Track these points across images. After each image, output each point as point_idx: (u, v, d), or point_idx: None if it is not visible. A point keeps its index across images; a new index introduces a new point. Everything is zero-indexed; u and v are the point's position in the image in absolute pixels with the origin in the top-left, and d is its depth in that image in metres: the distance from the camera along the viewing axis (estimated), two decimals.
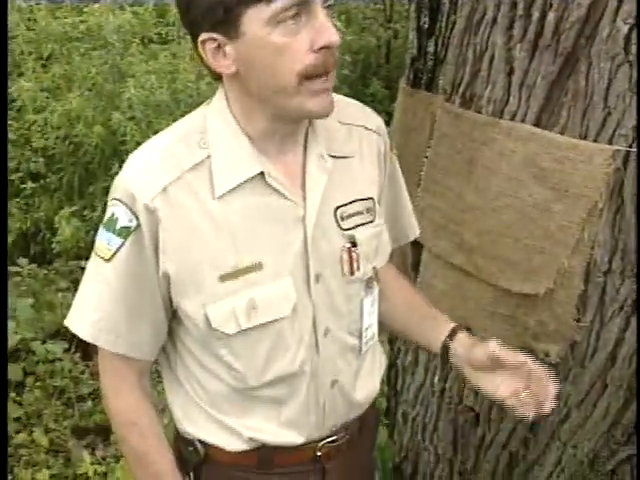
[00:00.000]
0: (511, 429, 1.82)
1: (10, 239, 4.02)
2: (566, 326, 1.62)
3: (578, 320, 1.61)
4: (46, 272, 3.89)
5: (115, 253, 1.19)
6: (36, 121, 4.27)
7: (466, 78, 1.66)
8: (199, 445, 1.34)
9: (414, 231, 1.55)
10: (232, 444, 1.32)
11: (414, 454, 2.13)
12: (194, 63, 4.29)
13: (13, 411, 2.91)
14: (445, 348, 1.43)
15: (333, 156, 1.28)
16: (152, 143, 1.24)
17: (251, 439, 1.31)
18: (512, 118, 1.58)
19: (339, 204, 1.28)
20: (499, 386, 1.34)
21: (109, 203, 1.22)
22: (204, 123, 1.22)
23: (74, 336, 1.26)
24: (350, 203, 1.30)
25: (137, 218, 1.17)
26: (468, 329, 1.47)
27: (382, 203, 1.41)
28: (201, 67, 1.22)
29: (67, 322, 1.27)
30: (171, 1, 5.03)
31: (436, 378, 1.95)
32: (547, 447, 1.80)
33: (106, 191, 1.28)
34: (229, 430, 1.31)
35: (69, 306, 1.28)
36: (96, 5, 4.92)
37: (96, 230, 1.26)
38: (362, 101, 1.43)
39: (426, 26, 1.80)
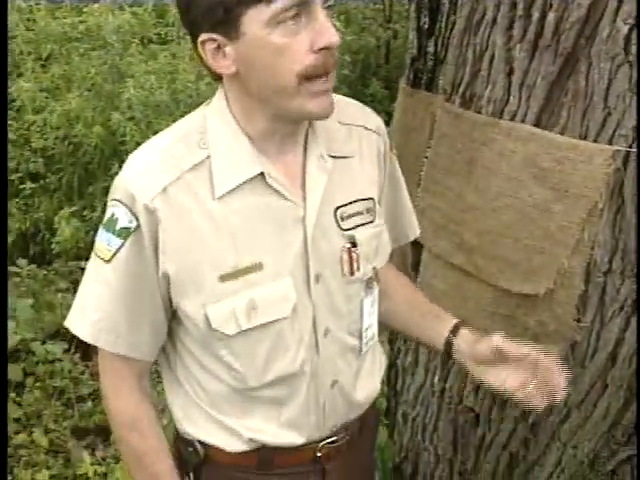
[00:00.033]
0: (511, 429, 1.82)
1: (10, 239, 4.02)
2: (566, 326, 1.62)
3: (578, 320, 1.61)
4: (46, 272, 3.89)
5: (115, 254, 1.19)
6: (35, 121, 4.27)
7: (466, 78, 1.66)
8: (199, 446, 1.34)
9: (414, 231, 1.55)
10: (232, 445, 1.32)
11: (414, 454, 2.13)
12: (194, 63, 4.29)
13: (13, 411, 2.91)
14: (448, 345, 1.43)
15: (333, 156, 1.28)
16: (152, 143, 1.23)
17: (251, 440, 1.31)
18: (512, 118, 1.58)
19: (339, 204, 1.28)
20: (505, 380, 1.34)
21: (109, 204, 1.22)
22: (204, 123, 1.22)
23: (74, 336, 1.26)
24: (350, 203, 1.30)
25: (137, 219, 1.17)
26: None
27: (382, 203, 1.41)
28: (201, 67, 1.22)
29: (67, 323, 1.27)
30: (170, 1, 5.04)
31: (436, 378, 1.95)
32: (547, 447, 1.80)
33: (106, 191, 1.28)
34: (229, 431, 1.31)
35: (69, 306, 1.28)
36: (95, 5, 4.91)
37: (96, 230, 1.26)
38: (362, 101, 1.43)
39: (426, 26, 1.80)
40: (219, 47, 1.12)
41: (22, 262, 3.79)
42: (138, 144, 1.28)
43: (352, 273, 1.30)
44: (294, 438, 1.33)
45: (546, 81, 1.52)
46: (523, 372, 1.32)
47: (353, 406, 1.40)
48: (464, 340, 1.41)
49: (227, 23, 1.09)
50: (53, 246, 4.01)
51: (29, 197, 4.31)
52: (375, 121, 1.39)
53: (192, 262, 1.19)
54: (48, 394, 3.09)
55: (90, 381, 3.16)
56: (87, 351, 3.20)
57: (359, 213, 1.31)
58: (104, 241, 1.21)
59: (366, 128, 1.36)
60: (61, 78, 4.54)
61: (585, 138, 1.50)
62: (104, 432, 2.85)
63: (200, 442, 1.34)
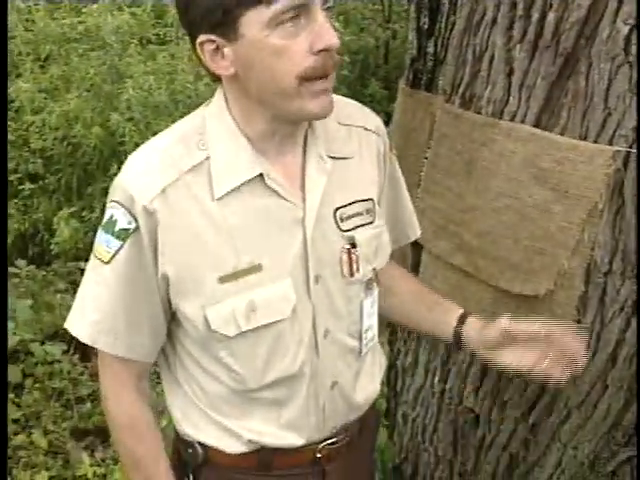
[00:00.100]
0: (511, 430, 1.82)
1: (9, 240, 4.01)
2: None
3: (578, 321, 1.61)
4: (45, 273, 3.88)
5: (114, 255, 1.19)
6: (34, 122, 4.26)
7: (466, 79, 1.66)
8: (198, 447, 1.35)
9: (415, 231, 1.55)
10: (232, 446, 1.32)
11: (414, 455, 2.13)
12: (193, 64, 4.28)
13: (12, 413, 2.90)
14: (457, 335, 1.43)
15: (332, 157, 1.28)
16: (151, 145, 1.23)
17: (251, 441, 1.31)
18: (512, 119, 1.58)
19: (339, 205, 1.28)
20: (520, 359, 1.34)
21: (108, 205, 1.22)
22: (203, 124, 1.22)
23: (73, 337, 1.26)
24: (350, 204, 1.30)
25: (136, 220, 1.16)
26: None
27: (382, 204, 1.41)
28: (200, 68, 1.22)
29: (66, 324, 1.27)
30: (169, 2, 5.04)
31: (436, 379, 1.94)
32: (547, 448, 1.79)
33: (105, 192, 1.28)
34: (229, 432, 1.31)
35: (68, 307, 1.28)
36: (94, 6, 4.91)
37: (95, 231, 1.26)
38: (361, 101, 1.43)
39: (426, 27, 1.80)
40: (218, 48, 1.12)
41: (21, 263, 3.79)
42: (137, 145, 1.28)
43: (352, 274, 1.30)
44: (294, 439, 1.33)
45: (546, 81, 1.52)
46: (537, 348, 1.32)
47: (353, 407, 1.40)
48: (472, 328, 1.41)
49: (226, 24, 1.09)
50: (52, 247, 4.00)
51: (28, 198, 4.30)
52: (375, 121, 1.39)
53: (191, 263, 1.19)
54: (47, 395, 3.09)
55: (89, 382, 3.15)
56: (86, 352, 3.20)
57: (359, 214, 1.31)
58: (103, 242, 1.21)
59: (366, 129, 1.36)
60: (60, 79, 4.54)
61: (585, 139, 1.49)
62: (103, 433, 2.84)
63: (200, 443, 1.34)
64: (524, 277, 1.60)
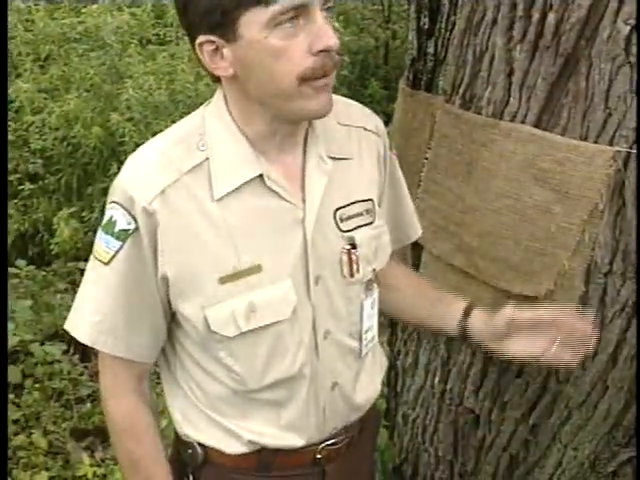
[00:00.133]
0: (512, 431, 1.81)
1: (8, 240, 4.01)
2: None
3: None
4: (44, 273, 3.88)
5: (114, 256, 1.19)
6: (34, 122, 4.26)
7: (466, 79, 1.65)
8: (198, 448, 1.35)
9: (416, 231, 1.55)
10: (232, 447, 1.32)
11: (414, 456, 2.12)
12: (192, 64, 4.28)
13: (12, 413, 2.90)
14: (463, 328, 1.43)
15: (332, 157, 1.28)
16: (150, 145, 1.23)
17: (251, 442, 1.31)
18: (512, 119, 1.57)
19: (339, 206, 1.28)
20: (529, 347, 1.34)
21: (107, 206, 1.22)
22: (203, 125, 1.22)
23: (73, 338, 1.26)
24: (350, 205, 1.30)
25: (135, 221, 1.16)
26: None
27: (383, 204, 1.41)
28: (199, 68, 1.22)
29: (66, 325, 1.27)
30: (169, 2, 5.03)
31: (436, 380, 1.94)
32: (548, 449, 1.79)
33: (104, 192, 1.28)
34: (229, 433, 1.31)
35: (68, 307, 1.28)
36: (94, 6, 4.91)
37: (94, 231, 1.26)
38: (361, 102, 1.43)
39: (426, 27, 1.80)
40: (217, 49, 1.12)
41: (21, 263, 3.79)
42: (137, 145, 1.28)
43: (352, 275, 1.30)
44: (294, 440, 1.33)
45: (546, 82, 1.51)
46: (544, 334, 1.32)
47: (353, 408, 1.40)
48: (478, 320, 1.41)
49: (225, 25, 1.08)
50: (52, 247, 4.00)
51: (28, 198, 4.30)
52: (375, 122, 1.39)
53: (191, 264, 1.19)
54: (47, 395, 3.09)
55: (89, 382, 3.15)
56: (86, 352, 3.19)
57: (359, 214, 1.31)
58: (103, 243, 1.21)
59: (365, 129, 1.36)
60: (60, 79, 4.53)
61: (586, 139, 1.49)
62: (103, 433, 2.83)
63: (200, 444, 1.34)
64: (524, 278, 1.60)
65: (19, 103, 4.30)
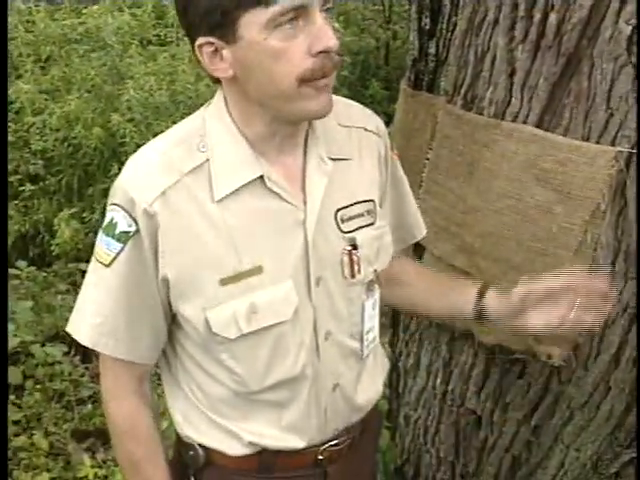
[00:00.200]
0: (514, 432, 1.81)
1: (9, 241, 4.00)
2: None
3: None
4: (45, 274, 3.88)
5: (115, 258, 1.19)
6: (35, 123, 4.26)
7: (468, 79, 1.65)
8: (200, 449, 1.34)
9: (420, 230, 1.54)
10: (233, 448, 1.32)
11: (416, 457, 2.12)
12: (193, 65, 4.28)
13: (13, 414, 2.90)
14: (478, 311, 1.40)
15: (333, 158, 1.28)
16: (151, 147, 1.23)
17: (252, 443, 1.31)
18: (514, 119, 1.57)
19: (339, 207, 1.28)
20: (547, 317, 1.31)
21: (108, 208, 1.21)
22: (203, 126, 1.22)
23: (74, 339, 1.26)
24: (350, 205, 1.29)
25: (136, 223, 1.16)
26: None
27: (386, 204, 1.41)
28: (200, 69, 1.22)
29: (68, 328, 1.27)
30: (169, 2, 5.03)
31: (438, 381, 1.94)
32: (550, 450, 1.79)
33: (105, 193, 1.28)
34: (230, 434, 1.31)
35: (69, 308, 1.28)
36: (95, 7, 4.91)
37: (95, 232, 1.26)
38: (361, 102, 1.43)
39: (427, 27, 1.80)
40: (216, 50, 1.12)
41: (22, 264, 3.78)
42: (138, 146, 1.28)
43: (353, 276, 1.30)
44: (295, 442, 1.32)
45: (548, 82, 1.51)
46: (561, 302, 1.29)
47: (355, 409, 1.39)
48: (492, 300, 1.38)
49: (224, 26, 1.08)
50: (53, 248, 4.00)
51: (28, 199, 4.30)
52: (375, 122, 1.38)
53: (192, 266, 1.19)
54: (48, 397, 3.08)
55: (90, 384, 3.15)
56: (87, 353, 3.19)
57: (360, 215, 1.31)
58: (104, 245, 1.21)
59: (366, 129, 1.35)
60: (60, 80, 4.53)
61: (587, 139, 1.49)
62: (104, 435, 2.83)
63: (201, 446, 1.34)
64: (526, 278, 1.60)
65: (20, 104, 4.29)
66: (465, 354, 1.84)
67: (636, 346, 1.59)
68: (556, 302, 1.30)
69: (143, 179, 1.17)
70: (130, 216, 1.16)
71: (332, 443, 1.37)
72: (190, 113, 1.28)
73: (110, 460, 2.79)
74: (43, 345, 3.22)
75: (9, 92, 4.17)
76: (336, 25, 3.78)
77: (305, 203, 1.23)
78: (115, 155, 4.16)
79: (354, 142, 1.33)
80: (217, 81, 1.20)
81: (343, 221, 1.28)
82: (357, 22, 6.39)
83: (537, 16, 1.50)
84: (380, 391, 1.47)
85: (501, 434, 1.85)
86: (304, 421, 1.32)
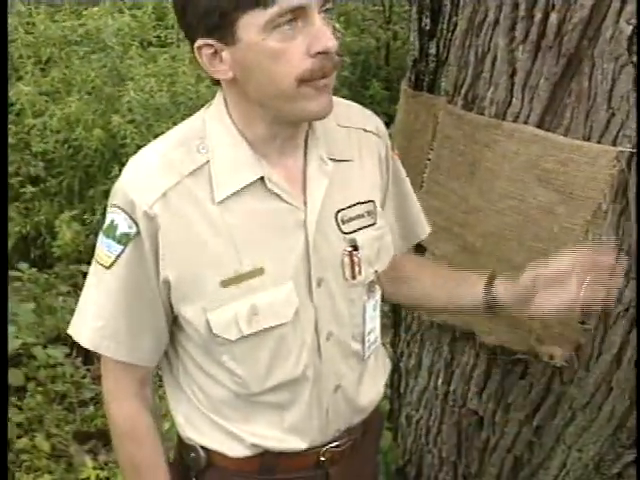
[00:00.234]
0: (516, 432, 1.81)
1: (10, 243, 4.00)
2: (570, 329, 1.62)
3: (582, 323, 1.60)
4: (47, 276, 3.87)
5: (115, 260, 1.19)
6: (35, 125, 4.25)
7: (468, 80, 1.65)
8: (201, 451, 1.34)
9: (424, 229, 1.53)
10: (235, 450, 1.32)
11: (418, 457, 2.12)
12: (193, 66, 4.28)
13: (14, 416, 2.89)
14: (488, 301, 1.39)
15: (333, 159, 1.28)
16: (151, 148, 1.23)
17: (254, 445, 1.31)
18: (515, 120, 1.57)
19: (340, 207, 1.28)
20: (559, 298, 1.29)
21: (108, 210, 1.21)
22: (203, 128, 1.22)
23: (75, 341, 1.26)
24: (351, 206, 1.29)
25: (137, 225, 1.16)
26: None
27: (389, 204, 1.41)
28: (200, 70, 1.22)
29: (69, 330, 1.28)
30: (170, 3, 5.02)
31: (440, 381, 1.94)
32: (552, 451, 1.79)
33: (106, 194, 1.27)
34: (232, 436, 1.31)
35: (70, 310, 1.28)
36: (95, 8, 4.91)
37: (96, 234, 1.26)
38: (362, 103, 1.42)
39: (427, 28, 1.80)
40: (216, 52, 1.12)
41: (23, 266, 3.78)
42: (138, 147, 1.28)
43: (354, 276, 1.30)
44: (297, 443, 1.32)
45: (549, 82, 1.51)
46: (571, 282, 1.27)
47: (356, 410, 1.39)
48: (502, 288, 1.37)
49: (223, 28, 1.08)
50: (54, 250, 3.99)
51: (29, 201, 4.29)
52: (375, 123, 1.38)
53: (193, 268, 1.19)
54: (50, 399, 3.08)
55: (92, 385, 3.14)
56: (89, 355, 3.18)
57: (360, 216, 1.31)
58: (104, 247, 1.21)
59: (365, 130, 1.35)
60: (61, 81, 4.53)
61: (589, 139, 1.49)
62: (106, 436, 2.82)
63: (203, 447, 1.34)
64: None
65: (20, 106, 4.29)
66: (467, 354, 1.83)
67: (637, 346, 1.59)
68: (565, 283, 1.28)
69: (143, 181, 1.17)
70: (130, 218, 1.16)
71: (334, 444, 1.37)
72: (191, 114, 1.28)
73: (112, 462, 2.78)
74: (45, 347, 3.21)
75: (9, 94, 4.17)
76: (337, 26, 3.76)
77: (306, 204, 1.23)
78: (116, 156, 4.16)
79: (354, 143, 1.33)
80: (217, 83, 1.20)
81: (344, 222, 1.28)
82: (357, 22, 6.38)
83: (538, 16, 1.50)
84: (382, 392, 1.47)
85: (503, 434, 1.84)
86: (306, 422, 1.32)
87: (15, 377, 3.00)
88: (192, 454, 1.35)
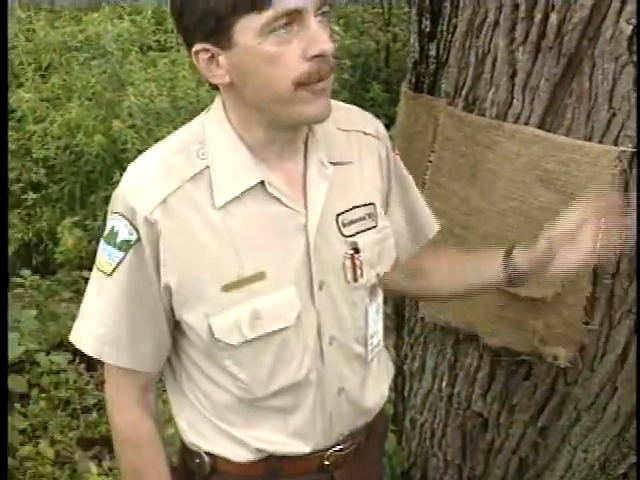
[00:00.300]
0: (521, 434, 1.81)
1: (12, 250, 4.00)
2: (574, 329, 1.61)
3: (587, 323, 1.60)
4: (49, 283, 3.87)
5: (116, 267, 1.19)
6: (36, 131, 4.26)
7: (469, 81, 1.65)
8: (205, 457, 1.34)
9: (432, 227, 1.52)
10: (239, 455, 1.31)
11: (423, 460, 2.12)
12: (193, 70, 4.28)
13: (18, 423, 2.88)
14: (508, 273, 1.38)
15: (333, 163, 1.27)
16: (150, 154, 1.23)
17: (258, 449, 1.30)
18: (516, 121, 1.57)
19: (340, 211, 1.28)
20: (579, 251, 1.29)
21: (109, 216, 1.21)
22: (202, 132, 1.22)
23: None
24: (351, 209, 1.29)
25: (137, 231, 1.16)
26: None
27: (394, 205, 1.41)
28: (200, 74, 1.22)
29: (71, 337, 1.27)
30: (169, 8, 5.03)
31: (444, 384, 1.93)
32: (557, 452, 1.79)
33: (108, 200, 1.27)
34: (235, 441, 1.31)
35: (73, 316, 1.27)
36: (95, 14, 4.92)
37: (98, 240, 1.26)
38: (362, 105, 1.42)
39: (427, 29, 1.80)
40: (213, 57, 1.12)
41: (25, 272, 3.77)
42: (139, 152, 1.28)
43: (356, 279, 1.29)
44: (301, 447, 1.32)
45: (550, 83, 1.51)
46: (587, 233, 1.28)
47: (360, 413, 1.39)
48: (520, 257, 1.36)
49: (219, 32, 1.09)
50: (56, 256, 3.99)
51: (31, 207, 4.30)
52: (374, 125, 1.38)
53: (194, 273, 1.18)
54: (53, 405, 3.08)
55: (95, 391, 3.14)
56: (92, 361, 3.17)
57: (361, 219, 1.30)
58: (105, 254, 1.21)
59: (365, 133, 1.35)
60: (61, 88, 4.54)
61: (590, 139, 1.49)
62: (110, 442, 2.78)
63: (206, 453, 1.34)
64: (531, 280, 1.59)
65: (21, 112, 4.30)
66: (470, 356, 1.83)
67: (636, 347, 1.59)
68: (581, 236, 1.28)
69: (143, 187, 1.17)
70: (131, 224, 1.16)
71: (338, 448, 1.36)
72: (191, 118, 1.28)
73: (116, 468, 2.77)
74: (48, 353, 3.21)
75: (10, 101, 4.18)
76: (336, 28, 3.76)
77: (306, 208, 1.23)
78: (117, 162, 4.16)
79: (353, 146, 1.32)
80: (215, 87, 1.20)
81: (344, 225, 1.28)
82: (357, 25, 6.39)
83: (538, 17, 1.49)
84: (385, 395, 1.46)
85: (508, 436, 1.84)
86: (309, 426, 1.32)
87: (18, 384, 2.99)
88: (196, 460, 1.35)
